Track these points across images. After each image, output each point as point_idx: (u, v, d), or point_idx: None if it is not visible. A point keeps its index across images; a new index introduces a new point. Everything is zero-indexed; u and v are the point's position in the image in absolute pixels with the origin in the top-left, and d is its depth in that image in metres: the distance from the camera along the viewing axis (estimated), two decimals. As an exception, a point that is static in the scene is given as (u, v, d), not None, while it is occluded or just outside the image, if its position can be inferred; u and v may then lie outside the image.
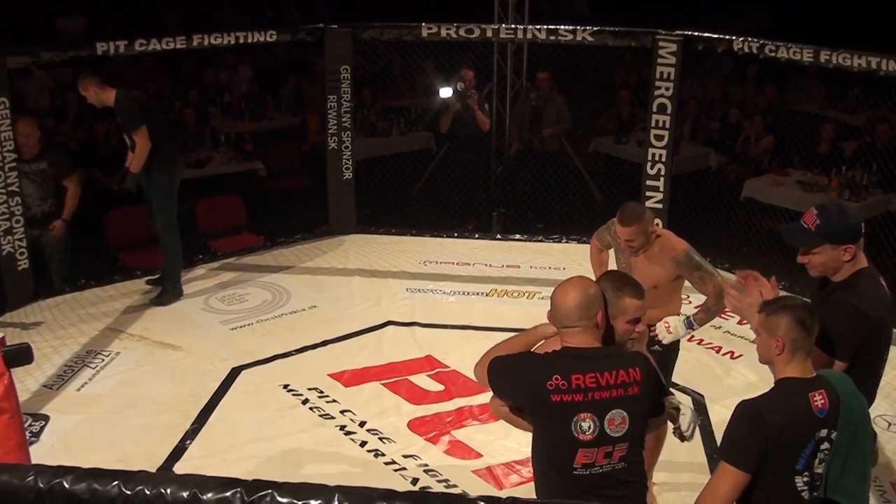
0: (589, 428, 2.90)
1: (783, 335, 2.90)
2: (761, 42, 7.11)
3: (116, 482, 1.80)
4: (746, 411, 2.87)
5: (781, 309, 2.95)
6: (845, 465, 2.93)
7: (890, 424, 5.43)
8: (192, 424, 5.27)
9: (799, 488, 2.88)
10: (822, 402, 2.87)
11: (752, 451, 2.83)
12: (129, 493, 1.79)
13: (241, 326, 6.55)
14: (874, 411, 5.46)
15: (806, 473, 2.87)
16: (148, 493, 1.79)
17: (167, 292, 6.87)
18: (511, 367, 3.08)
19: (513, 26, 8.34)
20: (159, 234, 6.81)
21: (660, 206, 8.05)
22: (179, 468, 4.86)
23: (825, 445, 2.89)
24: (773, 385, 2.97)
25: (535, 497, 3.13)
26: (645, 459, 3.13)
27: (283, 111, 10.63)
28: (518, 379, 3.03)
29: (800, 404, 2.86)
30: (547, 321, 3.15)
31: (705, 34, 7.61)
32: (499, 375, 3.12)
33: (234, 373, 5.85)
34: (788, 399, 2.89)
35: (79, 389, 5.68)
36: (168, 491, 1.79)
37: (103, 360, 6.05)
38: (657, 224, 4.57)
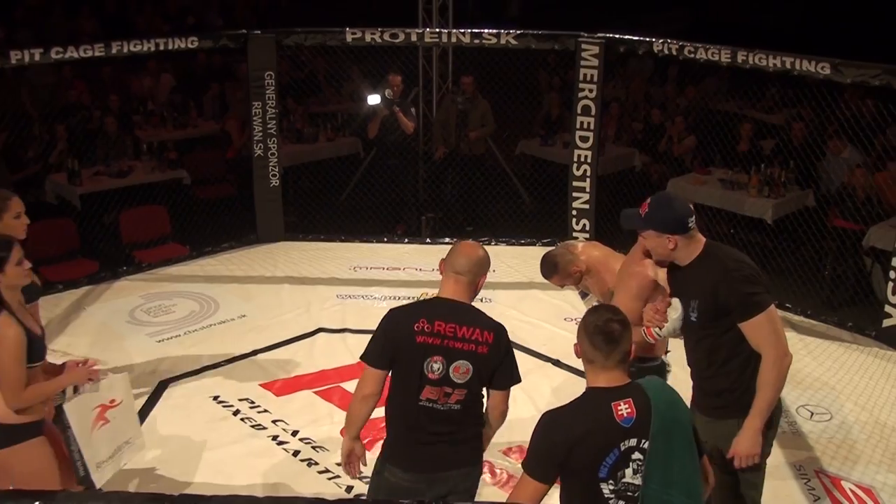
0: (438, 369, 3.36)
1: (584, 350, 2.90)
2: (680, 44, 7.26)
3: (37, 503, 1.76)
4: (544, 422, 2.87)
5: (583, 326, 2.91)
6: (667, 478, 2.83)
7: (813, 414, 5.59)
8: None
9: (606, 496, 2.81)
10: (629, 411, 2.81)
11: (547, 461, 2.82)
12: (51, 513, 1.75)
13: (168, 338, 6.44)
14: (795, 402, 5.66)
15: (611, 482, 2.81)
16: (71, 512, 1.75)
17: None
18: (384, 325, 3.51)
19: (437, 30, 8.37)
20: None
21: (587, 206, 8.17)
22: (106, 485, 4.75)
23: (637, 455, 2.82)
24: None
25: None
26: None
27: (207, 118, 10.47)
28: (390, 327, 3.46)
29: (600, 413, 2.81)
30: None
31: (626, 36, 7.74)
32: (376, 342, 3.49)
33: (162, 386, 5.74)
34: (588, 408, 2.86)
35: (-1, 408, 5.50)
36: (92, 509, 1.76)
37: (25, 377, 5.87)
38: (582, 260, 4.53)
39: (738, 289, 3.38)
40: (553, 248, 4.61)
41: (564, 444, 2.79)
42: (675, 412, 2.90)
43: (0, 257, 3.54)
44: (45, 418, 3.70)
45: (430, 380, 3.38)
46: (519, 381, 3.52)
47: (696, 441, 2.94)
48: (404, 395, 3.43)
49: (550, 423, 2.86)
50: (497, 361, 3.42)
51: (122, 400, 4.04)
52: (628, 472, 2.81)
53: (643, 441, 2.82)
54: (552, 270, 4.46)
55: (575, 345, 2.94)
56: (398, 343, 3.41)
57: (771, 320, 3.39)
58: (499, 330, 3.45)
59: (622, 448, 2.81)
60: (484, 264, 3.56)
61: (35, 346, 3.61)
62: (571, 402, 2.93)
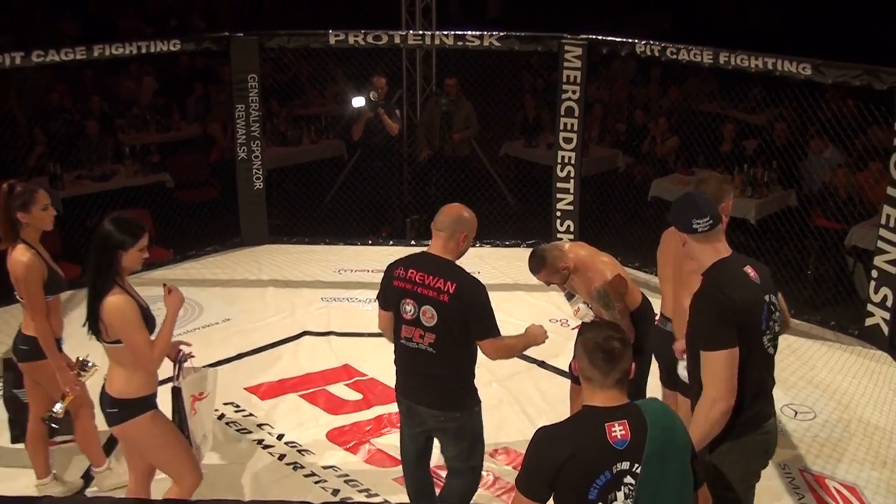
0: (410, 311, 3.84)
1: (581, 366, 2.83)
2: (663, 45, 7.29)
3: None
4: (536, 439, 2.82)
5: (582, 341, 2.83)
6: (657, 499, 2.76)
7: (797, 413, 5.61)
8: (103, 444, 5.10)
9: None
10: (623, 433, 2.73)
11: (537, 479, 2.76)
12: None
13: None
14: (779, 401, 5.67)
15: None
16: (56, 519, 1.74)
17: None
18: (384, 273, 4.00)
19: (420, 33, 8.36)
20: None
21: (571, 207, 8.18)
22: (91, 491, 4.72)
23: (629, 479, 2.74)
24: None
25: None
26: None
27: (190, 121, 10.43)
28: (384, 275, 3.98)
29: (593, 434, 2.74)
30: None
31: (609, 38, 7.76)
32: (380, 287, 4.00)
33: (147, 390, 5.70)
34: (581, 428, 2.79)
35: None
36: (77, 516, 1.74)
37: (7, 382, 5.83)
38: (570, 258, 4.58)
39: (703, 318, 3.29)
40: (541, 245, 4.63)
41: (553, 464, 2.72)
42: (672, 437, 2.81)
43: (126, 241, 3.68)
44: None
45: (405, 319, 3.87)
46: (497, 334, 3.85)
47: (694, 469, 2.85)
48: (395, 331, 3.96)
49: (542, 440, 2.80)
50: (459, 311, 3.75)
51: (209, 393, 4.25)
52: (619, 495, 2.73)
53: (636, 465, 2.74)
54: (540, 265, 4.45)
55: (572, 362, 2.88)
56: (386, 287, 3.95)
57: (723, 364, 3.22)
58: (464, 283, 3.78)
59: (614, 471, 2.73)
60: (461, 222, 3.88)
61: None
62: (566, 420, 2.89)
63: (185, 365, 4.13)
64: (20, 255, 4.17)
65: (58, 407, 4.28)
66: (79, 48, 7.16)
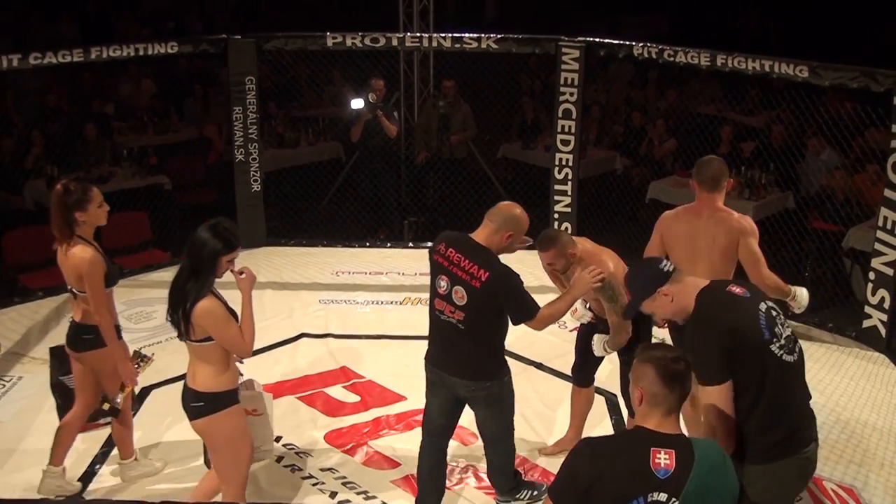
0: (444, 287, 4.05)
1: (644, 386, 2.74)
2: (660, 47, 7.29)
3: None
4: (577, 448, 2.76)
5: (649, 360, 2.75)
6: None
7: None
8: (101, 448, 5.10)
9: None
10: (668, 462, 2.63)
11: (571, 488, 2.68)
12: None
13: (149, 345, 6.37)
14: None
15: None
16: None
17: None
18: None
19: (418, 35, 8.36)
20: None
21: (568, 209, 8.18)
22: (89, 493, 4.73)
23: None
24: None
25: None
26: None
27: (188, 123, 10.43)
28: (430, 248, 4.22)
29: (636, 456, 2.65)
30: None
31: (606, 40, 7.77)
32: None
33: (144, 393, 5.70)
34: (625, 446, 2.73)
35: (-21, 417, 5.46)
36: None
37: (4, 385, 5.83)
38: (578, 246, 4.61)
39: (697, 350, 3.17)
40: None
41: (588, 476, 2.64)
42: (719, 478, 2.69)
43: (224, 247, 3.89)
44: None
45: (438, 293, 4.09)
46: (534, 314, 4.02)
47: None
48: (430, 300, 4.18)
49: (583, 450, 2.73)
50: (489, 298, 3.94)
51: (261, 413, 4.43)
52: None
53: (673, 500, 2.61)
54: (551, 244, 4.37)
55: (638, 389, 2.76)
56: (429, 259, 4.19)
57: (717, 399, 3.18)
58: (496, 273, 3.94)
59: (648, 499, 2.62)
60: (510, 219, 4.03)
61: None
62: (613, 434, 2.85)
63: (243, 380, 4.27)
64: (83, 252, 4.36)
65: (119, 398, 4.53)
66: (76, 50, 7.16)
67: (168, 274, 7.50)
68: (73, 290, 4.49)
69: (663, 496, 2.62)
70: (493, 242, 4.03)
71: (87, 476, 4.87)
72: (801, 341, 6.82)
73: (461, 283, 3.98)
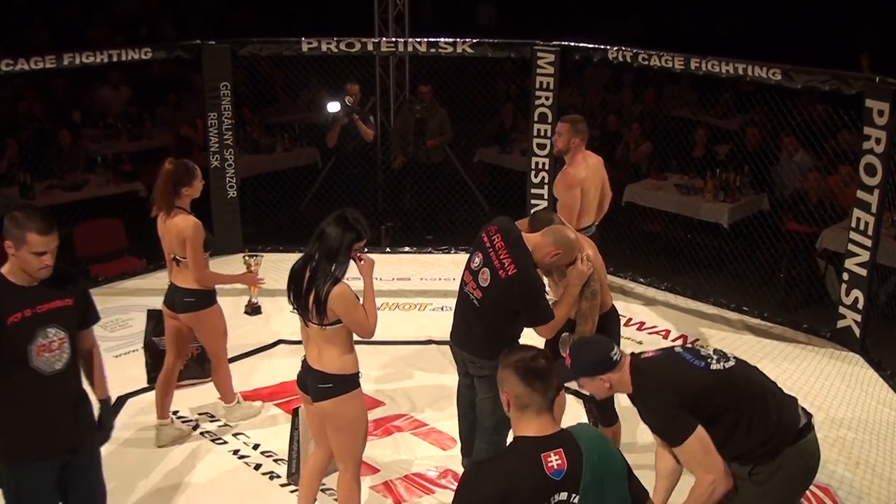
0: (476, 263, 4.26)
1: (508, 391, 2.76)
2: (634, 51, 7.33)
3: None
4: (470, 475, 2.72)
5: (508, 364, 2.78)
6: None
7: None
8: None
9: None
10: (559, 462, 2.65)
11: None
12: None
13: (125, 353, 6.34)
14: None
15: None
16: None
17: None
18: None
19: (393, 40, 8.36)
20: None
21: (545, 213, 8.18)
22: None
23: None
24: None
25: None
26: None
27: (162, 129, 10.36)
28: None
29: (529, 466, 2.64)
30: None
31: (581, 44, 7.80)
32: None
33: (120, 401, 5.64)
34: (517, 461, 2.68)
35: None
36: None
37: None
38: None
39: (657, 418, 3.36)
40: None
41: (493, 498, 2.59)
42: (608, 463, 2.75)
43: (358, 235, 3.97)
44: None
45: (470, 267, 4.31)
46: (545, 322, 4.15)
47: (632, 492, 2.80)
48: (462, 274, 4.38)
49: (476, 477, 2.68)
50: (507, 293, 4.11)
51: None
52: None
53: (573, 495, 2.65)
54: (545, 224, 4.38)
55: (504, 394, 2.78)
56: (478, 235, 4.34)
57: (698, 447, 3.29)
58: (522, 273, 4.09)
59: (552, 502, 2.64)
60: (563, 241, 4.16)
61: None
62: (498, 453, 2.88)
63: None
64: (188, 221, 4.93)
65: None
66: (48, 56, 7.10)
67: (144, 281, 7.55)
68: (176, 256, 5.04)
69: (563, 495, 2.65)
70: (539, 249, 4.16)
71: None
72: (775, 342, 6.92)
73: (491, 266, 4.16)
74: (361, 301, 3.98)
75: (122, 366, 6.13)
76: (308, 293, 3.91)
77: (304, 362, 4.12)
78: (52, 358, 3.47)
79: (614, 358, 3.36)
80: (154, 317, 5.65)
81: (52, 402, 3.51)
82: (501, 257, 4.13)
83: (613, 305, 4.65)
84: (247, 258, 5.64)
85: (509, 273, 4.10)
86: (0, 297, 3.38)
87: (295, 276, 4.00)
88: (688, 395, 3.30)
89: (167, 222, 5.00)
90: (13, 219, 3.36)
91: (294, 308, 4.04)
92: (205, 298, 5.12)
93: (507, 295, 4.13)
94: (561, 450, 2.67)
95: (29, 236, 3.34)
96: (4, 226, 3.38)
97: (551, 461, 2.65)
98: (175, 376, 5.27)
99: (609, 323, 4.56)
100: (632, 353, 3.49)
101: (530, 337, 4.10)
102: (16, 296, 3.40)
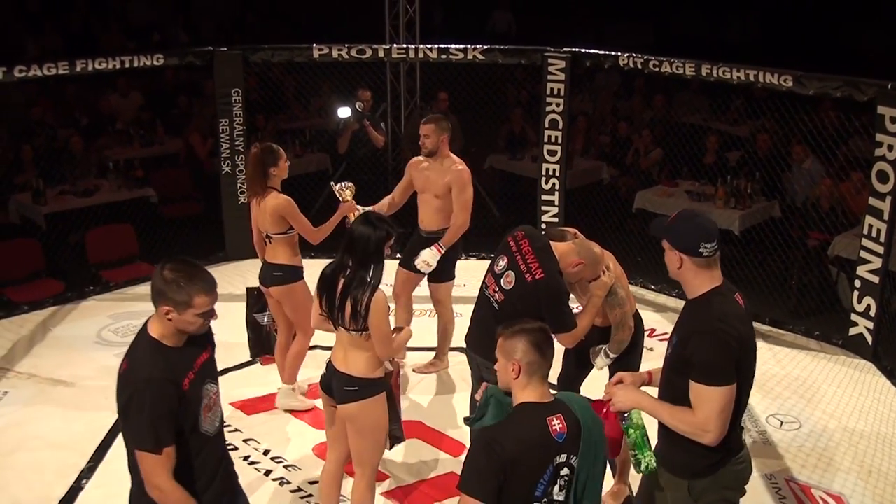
0: (500, 266, 4.23)
1: (519, 358, 2.89)
2: (645, 57, 7.33)
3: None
4: (482, 440, 2.81)
5: (518, 332, 2.94)
6: (585, 490, 2.91)
7: (782, 423, 5.63)
8: (87, 463, 5.08)
9: None
10: (561, 426, 2.83)
11: (489, 481, 2.74)
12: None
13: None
14: (764, 412, 5.70)
15: (545, 500, 2.82)
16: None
17: None
18: None
19: (404, 46, 8.38)
20: None
21: (556, 219, 8.20)
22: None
23: (565, 471, 2.84)
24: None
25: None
26: None
27: (174, 136, 10.39)
28: None
29: (537, 430, 2.81)
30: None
31: (592, 51, 7.80)
32: None
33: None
34: (525, 425, 2.83)
35: (-36, 433, 5.42)
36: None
37: (-10, 400, 5.80)
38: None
39: (705, 352, 3.03)
40: None
41: (506, 462, 2.74)
42: (600, 429, 2.97)
43: (388, 233, 4.05)
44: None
45: (493, 270, 4.28)
46: (569, 330, 4.14)
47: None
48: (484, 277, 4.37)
49: (491, 440, 2.79)
50: (532, 297, 4.06)
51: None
52: (555, 489, 2.81)
53: (572, 457, 2.84)
54: (558, 240, 4.31)
55: (514, 363, 2.89)
56: (504, 239, 4.33)
57: (722, 400, 3.03)
58: (548, 279, 4.07)
59: (555, 463, 2.81)
60: (588, 253, 4.19)
61: None
62: (508, 418, 2.91)
63: None
64: (279, 199, 5.26)
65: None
66: (61, 63, 7.14)
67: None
68: (268, 234, 5.35)
69: (563, 457, 2.84)
70: (565, 257, 4.16)
71: (73, 492, 4.84)
72: (787, 349, 6.90)
73: (517, 270, 4.15)
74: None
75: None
76: (344, 301, 3.93)
77: (329, 364, 4.11)
78: (213, 417, 3.27)
79: (703, 252, 3.08)
80: (251, 294, 5.95)
81: (215, 462, 3.29)
82: (529, 262, 4.13)
83: (638, 312, 4.63)
84: (339, 190, 5.61)
85: (536, 277, 4.09)
86: (171, 363, 3.13)
87: (326, 282, 4.01)
88: (739, 360, 3.08)
89: (260, 204, 5.28)
90: (170, 282, 3.10)
91: (325, 314, 4.05)
92: (292, 273, 5.43)
93: (532, 299, 4.09)
94: (561, 415, 2.86)
95: (196, 300, 3.14)
96: (156, 288, 3.12)
97: (555, 425, 2.83)
98: (289, 346, 5.60)
99: (637, 322, 4.55)
100: (725, 280, 3.21)
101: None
102: (179, 359, 3.18)
